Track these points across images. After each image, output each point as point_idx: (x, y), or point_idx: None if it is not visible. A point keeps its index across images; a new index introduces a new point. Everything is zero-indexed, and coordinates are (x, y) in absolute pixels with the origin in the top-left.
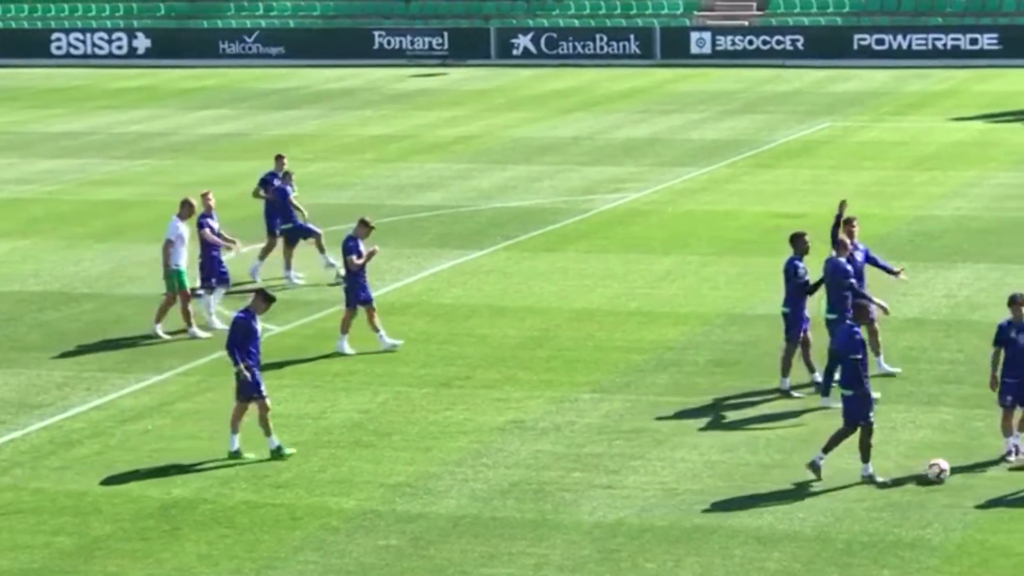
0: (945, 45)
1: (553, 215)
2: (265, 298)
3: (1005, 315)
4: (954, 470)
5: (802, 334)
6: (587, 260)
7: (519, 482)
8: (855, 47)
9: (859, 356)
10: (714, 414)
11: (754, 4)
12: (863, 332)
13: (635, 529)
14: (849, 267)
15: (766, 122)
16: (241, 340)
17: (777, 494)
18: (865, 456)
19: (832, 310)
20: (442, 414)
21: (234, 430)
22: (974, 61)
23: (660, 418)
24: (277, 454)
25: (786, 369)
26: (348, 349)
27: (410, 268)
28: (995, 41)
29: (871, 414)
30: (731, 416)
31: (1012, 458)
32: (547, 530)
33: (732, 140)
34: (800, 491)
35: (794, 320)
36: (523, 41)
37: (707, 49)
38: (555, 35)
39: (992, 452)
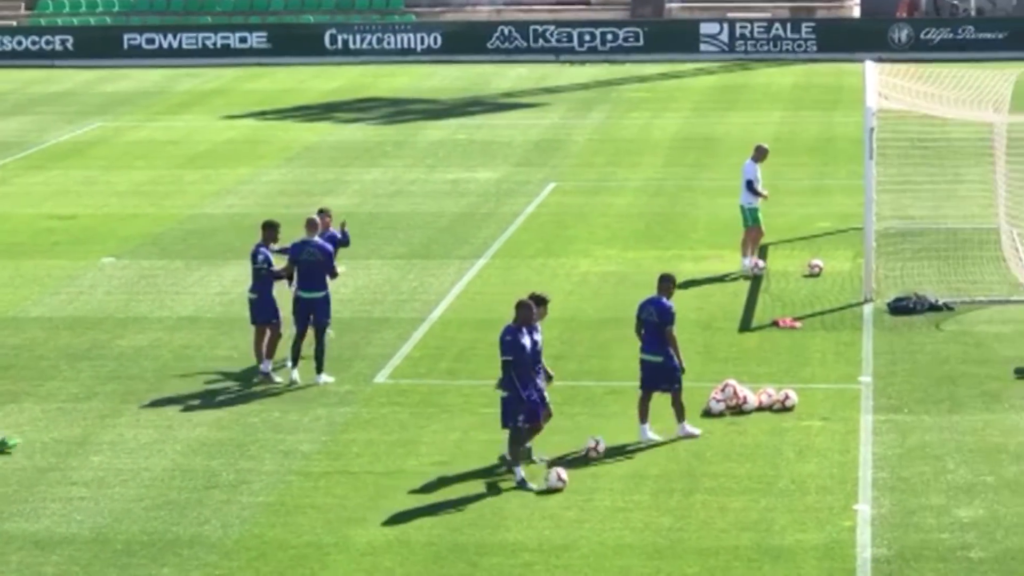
0: (215, 44)
1: None
2: None
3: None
4: (248, 466)
5: (276, 319)
6: None
7: None
8: (125, 47)
9: (510, 358)
10: None
11: (22, 4)
12: None
13: None
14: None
15: (36, 123)
16: None
17: (54, 497)
18: (514, 459)
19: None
20: None
21: None
22: (244, 59)
23: None
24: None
25: (271, 352)
26: None
27: None
28: (264, 40)
29: (520, 418)
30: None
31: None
32: None
33: (2, 142)
34: (77, 493)
35: (261, 304)
36: None
37: None
38: None
39: (267, 446)
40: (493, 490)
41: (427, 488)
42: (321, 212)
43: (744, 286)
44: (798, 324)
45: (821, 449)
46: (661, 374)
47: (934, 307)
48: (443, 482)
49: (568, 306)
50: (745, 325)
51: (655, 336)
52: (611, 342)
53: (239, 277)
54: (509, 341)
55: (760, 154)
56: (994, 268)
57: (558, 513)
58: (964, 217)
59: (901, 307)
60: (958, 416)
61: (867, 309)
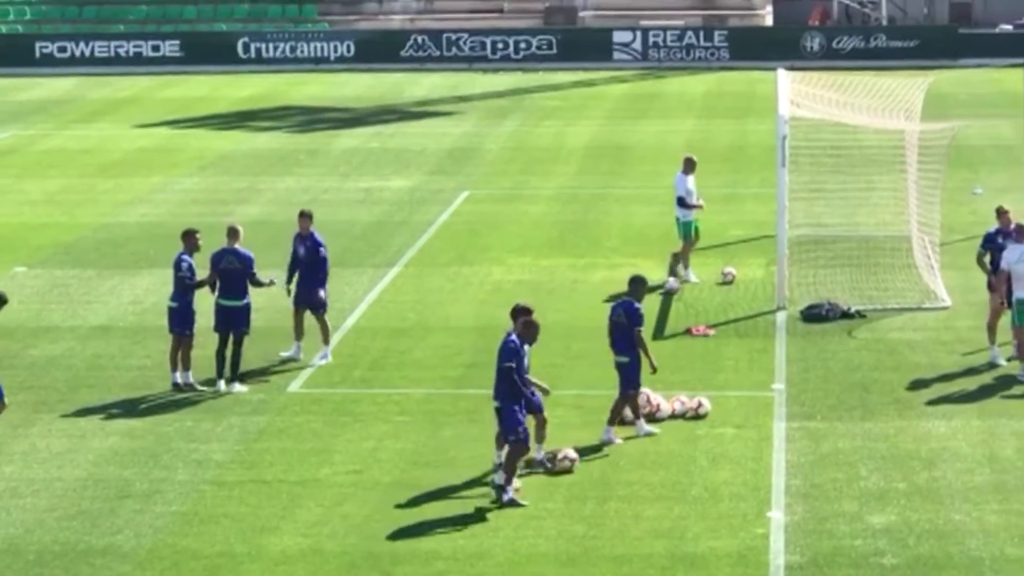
0: (128, 52)
1: None
2: None
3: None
4: (145, 476)
5: (191, 332)
6: None
7: None
8: (38, 55)
9: (511, 364)
10: None
11: None
12: None
13: None
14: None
15: None
16: None
17: None
18: (511, 474)
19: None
20: None
21: None
22: (157, 68)
23: None
24: None
25: (187, 363)
26: None
27: None
28: (177, 48)
29: (521, 429)
30: None
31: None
32: None
33: None
34: None
35: (181, 314)
36: None
37: None
38: None
39: (181, 455)
40: (407, 499)
41: (341, 497)
42: (302, 215)
43: (658, 295)
44: (711, 332)
45: (734, 456)
46: (625, 374)
47: (847, 314)
48: (357, 491)
49: (482, 314)
50: (658, 333)
51: (623, 337)
52: None
53: (152, 286)
54: (512, 348)
55: (689, 166)
56: (906, 276)
57: (472, 522)
58: (876, 225)
59: (814, 314)
60: (870, 423)
61: (780, 316)
